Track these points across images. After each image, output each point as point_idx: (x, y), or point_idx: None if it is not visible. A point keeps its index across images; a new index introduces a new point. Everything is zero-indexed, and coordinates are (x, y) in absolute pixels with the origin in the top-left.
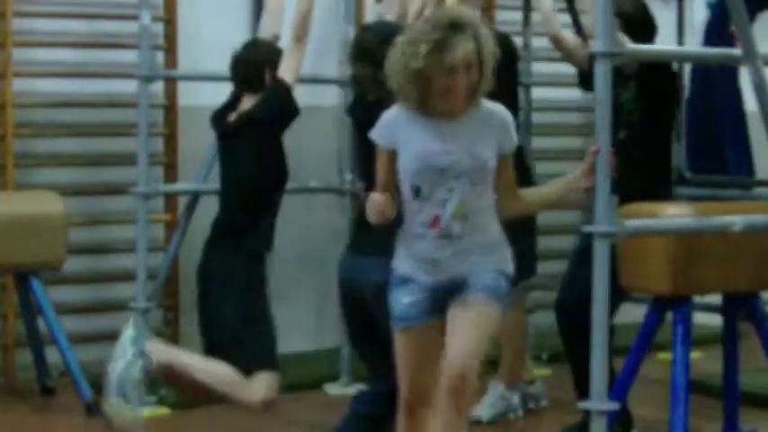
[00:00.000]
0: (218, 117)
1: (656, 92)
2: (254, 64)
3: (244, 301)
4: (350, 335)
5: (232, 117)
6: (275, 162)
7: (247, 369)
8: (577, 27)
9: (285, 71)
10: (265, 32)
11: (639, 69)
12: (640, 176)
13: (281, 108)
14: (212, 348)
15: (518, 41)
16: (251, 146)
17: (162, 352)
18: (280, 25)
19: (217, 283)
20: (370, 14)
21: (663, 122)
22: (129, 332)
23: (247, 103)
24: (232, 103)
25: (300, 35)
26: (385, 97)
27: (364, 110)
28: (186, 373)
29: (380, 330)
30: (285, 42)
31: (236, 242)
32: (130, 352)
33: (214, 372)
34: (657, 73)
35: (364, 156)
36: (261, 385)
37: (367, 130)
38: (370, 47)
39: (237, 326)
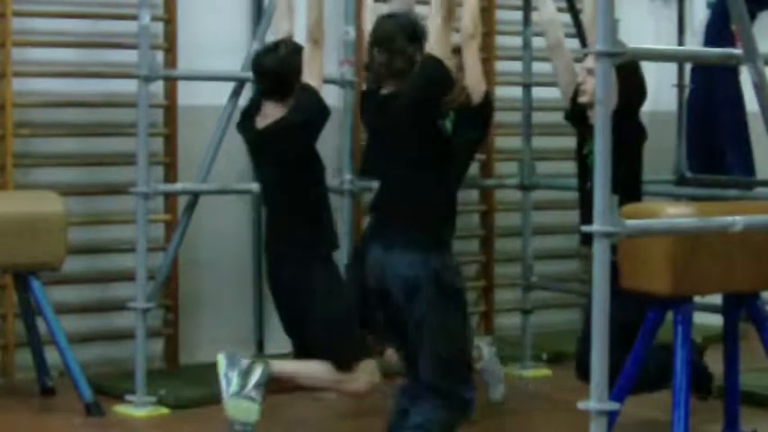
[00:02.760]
0: (246, 124)
1: (622, 144)
2: (284, 75)
3: (324, 306)
4: (382, 332)
5: (262, 123)
6: (313, 160)
7: (344, 366)
8: (578, 26)
9: (309, 76)
10: (279, 32)
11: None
12: None
13: (314, 113)
14: (304, 348)
15: (518, 41)
16: (290, 151)
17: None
18: (293, 24)
19: (294, 291)
20: (370, 14)
21: (628, 175)
22: (221, 357)
23: (272, 108)
24: (254, 107)
25: (317, 38)
26: (398, 91)
27: (378, 105)
28: (288, 381)
29: (407, 330)
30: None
31: (301, 247)
32: (235, 374)
33: (313, 374)
34: (623, 124)
35: (378, 152)
36: (363, 375)
37: (381, 125)
38: (390, 33)
39: (323, 331)
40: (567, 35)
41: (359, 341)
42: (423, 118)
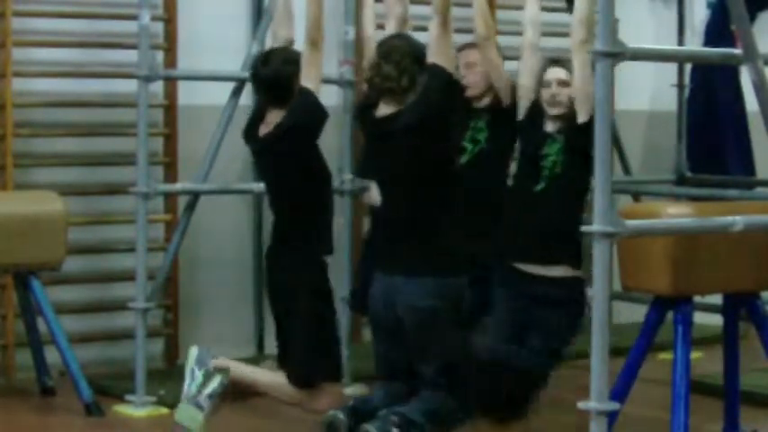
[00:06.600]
0: (250, 132)
1: (581, 152)
2: (284, 80)
3: (310, 319)
4: (378, 365)
5: (263, 131)
6: (317, 164)
7: (307, 384)
8: None
9: (307, 78)
10: (279, 38)
11: (568, 126)
12: (546, 233)
13: (311, 115)
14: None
15: (518, 41)
16: (290, 155)
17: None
18: (292, 29)
19: (286, 294)
20: (370, 12)
21: (581, 183)
22: (194, 350)
23: (274, 116)
24: (258, 115)
25: (316, 40)
26: (395, 114)
27: (374, 125)
28: (250, 386)
29: (418, 362)
30: (299, 47)
31: (299, 251)
32: (200, 373)
33: (278, 386)
34: (585, 133)
35: (380, 167)
36: (325, 397)
37: (378, 144)
38: (400, 50)
39: (303, 344)
40: (546, 34)
41: (334, 363)
42: (433, 132)
